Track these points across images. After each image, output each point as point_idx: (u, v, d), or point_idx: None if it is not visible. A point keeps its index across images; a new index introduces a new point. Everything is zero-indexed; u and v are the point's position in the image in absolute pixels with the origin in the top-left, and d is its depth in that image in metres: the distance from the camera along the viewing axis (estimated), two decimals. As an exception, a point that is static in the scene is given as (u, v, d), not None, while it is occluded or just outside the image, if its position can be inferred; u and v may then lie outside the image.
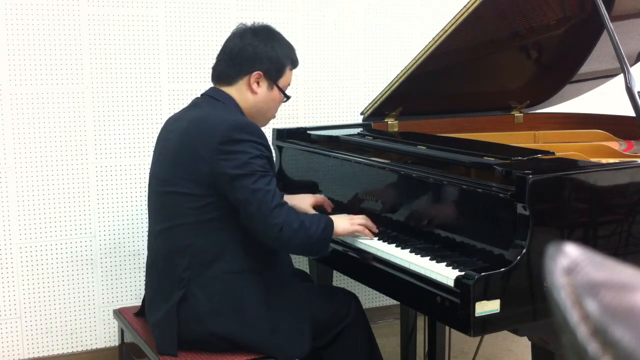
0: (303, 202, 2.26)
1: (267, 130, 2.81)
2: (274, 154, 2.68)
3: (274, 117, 2.13)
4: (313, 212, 2.24)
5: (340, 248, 2.10)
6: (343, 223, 2.00)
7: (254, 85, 1.99)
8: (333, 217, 2.01)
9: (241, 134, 1.84)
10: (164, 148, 1.99)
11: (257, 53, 1.99)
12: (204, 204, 1.87)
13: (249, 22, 2.06)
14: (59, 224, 2.72)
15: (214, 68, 2.06)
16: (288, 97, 2.09)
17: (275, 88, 2.03)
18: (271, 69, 2.00)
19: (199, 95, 2.08)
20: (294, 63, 2.08)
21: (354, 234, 2.04)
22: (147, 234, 2.14)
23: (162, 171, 1.97)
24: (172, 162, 1.93)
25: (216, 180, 1.84)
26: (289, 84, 2.09)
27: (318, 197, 2.29)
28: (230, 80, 2.01)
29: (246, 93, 2.00)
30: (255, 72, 1.99)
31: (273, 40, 2.03)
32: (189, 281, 1.89)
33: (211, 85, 2.08)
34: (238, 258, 1.91)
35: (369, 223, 2.05)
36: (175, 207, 1.91)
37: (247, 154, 1.83)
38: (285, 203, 1.88)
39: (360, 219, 2.04)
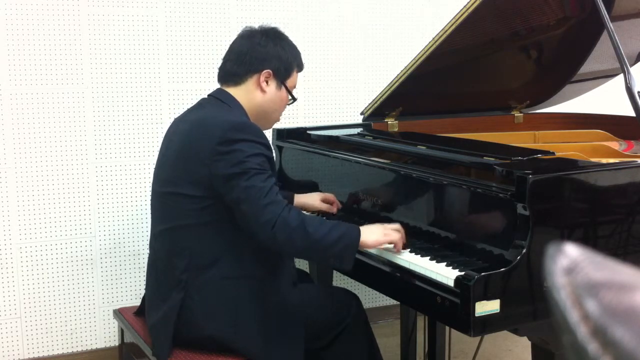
0: (312, 199, 2.29)
1: (267, 130, 2.81)
2: (274, 154, 2.69)
3: (278, 119, 2.12)
4: (322, 206, 2.27)
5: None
6: (374, 234, 1.84)
7: (263, 84, 1.99)
8: (364, 227, 1.86)
9: (238, 133, 1.83)
10: (167, 149, 1.99)
11: (267, 52, 1.99)
12: (204, 207, 1.86)
13: (255, 25, 2.07)
14: (59, 224, 2.72)
15: (221, 69, 2.05)
16: (294, 99, 2.09)
17: (283, 88, 2.03)
18: (280, 69, 2.00)
19: (205, 96, 2.08)
20: (300, 66, 2.08)
21: (385, 247, 1.89)
22: (147, 234, 2.14)
23: (165, 172, 1.96)
24: (174, 163, 1.93)
25: (213, 181, 1.83)
26: (294, 87, 2.08)
27: (328, 195, 2.30)
28: (238, 79, 2.00)
29: (254, 92, 1.99)
30: (265, 71, 1.98)
31: (282, 40, 2.04)
32: (187, 284, 1.88)
33: (217, 85, 2.07)
34: (235, 263, 1.89)
35: (403, 234, 1.88)
36: (176, 208, 1.91)
37: (243, 153, 1.81)
38: (282, 201, 1.82)
39: (396, 226, 1.89)
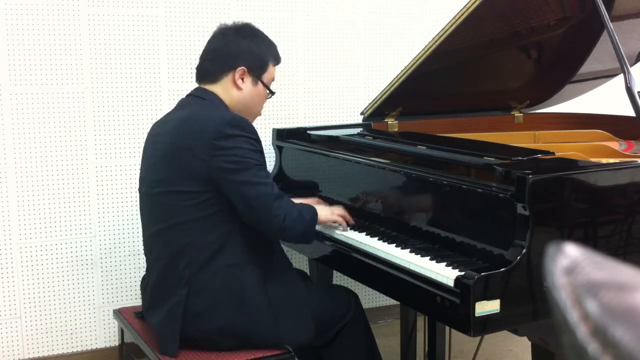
0: None
1: (267, 130, 2.82)
2: (273, 154, 2.70)
3: (259, 114, 2.15)
4: None
5: (340, 248, 2.10)
6: (324, 212, 2.08)
7: (239, 81, 2.02)
8: (314, 206, 2.07)
9: (234, 129, 1.87)
10: (154, 151, 2.00)
11: (240, 49, 2.02)
12: (202, 200, 1.89)
13: (229, 22, 2.10)
14: (59, 224, 2.72)
15: (198, 68, 2.09)
16: (272, 93, 2.12)
17: (259, 83, 2.06)
18: (254, 65, 2.04)
19: (183, 97, 2.10)
20: (277, 59, 2.11)
21: (331, 225, 2.14)
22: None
23: (155, 173, 1.97)
24: (165, 162, 1.93)
25: (213, 175, 1.86)
26: (272, 80, 2.11)
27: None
28: (215, 78, 2.03)
29: (231, 90, 2.03)
30: (239, 68, 2.01)
31: (255, 36, 2.07)
32: (189, 279, 1.90)
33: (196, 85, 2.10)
34: (238, 250, 1.92)
35: (347, 215, 2.14)
36: (171, 207, 1.92)
37: (243, 149, 1.86)
38: (283, 193, 1.93)
39: (340, 209, 2.14)
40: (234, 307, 1.89)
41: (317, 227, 2.10)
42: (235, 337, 1.90)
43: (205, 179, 1.87)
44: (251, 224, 1.91)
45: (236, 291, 1.90)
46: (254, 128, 1.93)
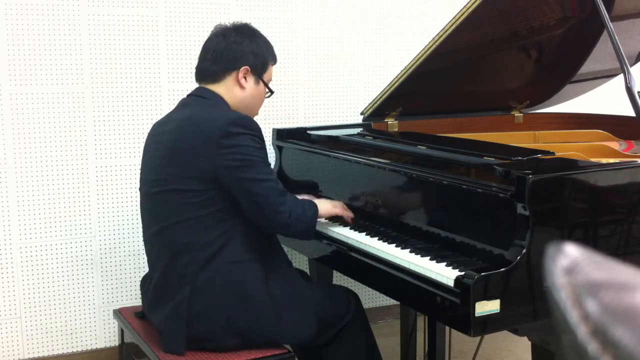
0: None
1: (267, 130, 2.82)
2: (273, 154, 2.70)
3: (257, 113, 2.17)
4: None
5: (340, 248, 2.10)
6: (325, 205, 2.13)
7: (242, 81, 2.04)
8: (315, 200, 2.10)
9: (238, 127, 1.89)
10: (156, 151, 2.00)
11: (243, 49, 2.04)
12: (205, 199, 1.90)
13: (229, 22, 2.11)
14: (59, 224, 2.72)
15: (198, 68, 2.10)
16: (272, 92, 2.14)
17: (260, 83, 2.08)
18: (257, 64, 2.06)
19: (185, 96, 2.11)
20: (274, 59, 2.14)
21: (330, 223, 2.19)
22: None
23: (155, 173, 1.98)
24: (166, 162, 1.94)
25: (218, 174, 1.87)
26: (270, 80, 2.14)
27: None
28: (217, 78, 2.04)
29: (234, 89, 2.04)
30: (243, 68, 2.03)
31: (255, 36, 2.09)
32: (192, 277, 1.90)
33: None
34: (240, 247, 1.93)
35: (348, 211, 2.19)
36: (171, 205, 1.92)
37: (247, 147, 1.88)
38: (287, 190, 1.96)
39: (341, 203, 2.20)
40: (237, 304, 1.90)
41: (318, 227, 2.11)
42: (237, 335, 1.91)
43: (209, 178, 1.88)
44: (255, 221, 1.93)
45: (238, 289, 1.91)
46: (258, 125, 1.95)
